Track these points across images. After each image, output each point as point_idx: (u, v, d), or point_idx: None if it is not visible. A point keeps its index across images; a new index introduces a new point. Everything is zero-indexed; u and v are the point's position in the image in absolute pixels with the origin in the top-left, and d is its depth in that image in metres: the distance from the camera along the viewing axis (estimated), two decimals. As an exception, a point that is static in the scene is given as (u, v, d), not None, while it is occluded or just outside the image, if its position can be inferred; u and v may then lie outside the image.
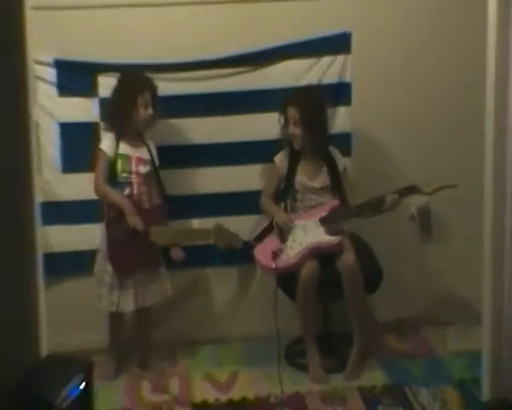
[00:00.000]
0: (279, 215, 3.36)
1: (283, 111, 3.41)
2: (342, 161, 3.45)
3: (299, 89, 3.49)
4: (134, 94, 3.27)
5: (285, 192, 3.44)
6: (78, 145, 3.51)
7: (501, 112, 2.76)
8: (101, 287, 3.36)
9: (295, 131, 3.35)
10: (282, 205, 3.45)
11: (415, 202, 3.54)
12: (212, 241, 3.37)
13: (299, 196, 3.43)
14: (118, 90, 3.34)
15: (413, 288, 3.86)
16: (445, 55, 3.62)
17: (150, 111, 3.29)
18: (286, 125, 3.39)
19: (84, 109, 3.53)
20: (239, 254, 3.48)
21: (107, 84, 3.41)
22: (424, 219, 3.62)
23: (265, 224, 3.46)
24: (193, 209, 3.67)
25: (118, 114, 3.32)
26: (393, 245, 3.73)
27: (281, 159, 3.44)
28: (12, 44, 2.52)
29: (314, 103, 3.39)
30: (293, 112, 3.34)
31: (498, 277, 2.87)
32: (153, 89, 3.33)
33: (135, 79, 3.33)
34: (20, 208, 2.67)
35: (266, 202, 3.46)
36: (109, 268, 3.29)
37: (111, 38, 3.45)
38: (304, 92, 3.45)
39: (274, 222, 3.37)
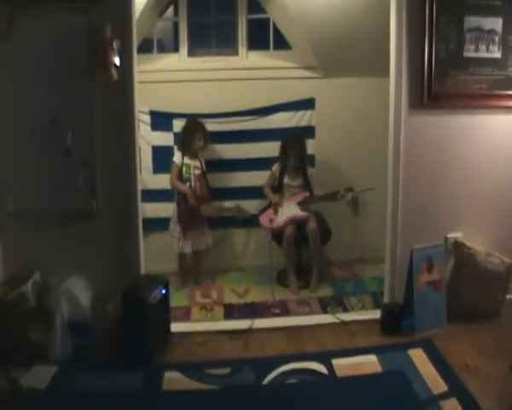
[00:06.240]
0: (274, 199, 4.24)
1: (287, 147, 4.07)
2: (310, 170, 4.39)
3: (293, 134, 4.15)
4: (192, 132, 4.15)
5: (278, 188, 4.38)
6: (161, 158, 4.41)
7: (396, 144, 3.43)
8: (172, 238, 4.30)
9: (294, 157, 4.10)
10: (276, 195, 4.31)
11: (351, 194, 4.11)
12: (234, 213, 4.34)
13: (285, 190, 4.34)
14: (184, 129, 4.24)
15: (348, 241, 4.69)
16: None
17: (202, 143, 4.18)
18: (285, 153, 4.18)
19: (165, 138, 4.44)
20: (250, 220, 4.41)
21: (178, 125, 4.37)
22: (355, 204, 4.13)
23: (266, 203, 4.39)
24: (224, 195, 4.53)
25: (183, 143, 4.25)
26: (338, 218, 4.48)
27: (276, 168, 4.37)
28: (127, 103, 3.15)
29: (301, 141, 4.13)
30: (292, 149, 4.09)
31: (394, 235, 3.56)
32: (204, 129, 4.19)
33: (193, 122, 4.21)
34: (130, 192, 3.23)
35: (266, 190, 4.31)
36: (177, 227, 4.26)
37: (181, 99, 4.44)
38: (297, 137, 4.16)
39: (273, 204, 4.23)
